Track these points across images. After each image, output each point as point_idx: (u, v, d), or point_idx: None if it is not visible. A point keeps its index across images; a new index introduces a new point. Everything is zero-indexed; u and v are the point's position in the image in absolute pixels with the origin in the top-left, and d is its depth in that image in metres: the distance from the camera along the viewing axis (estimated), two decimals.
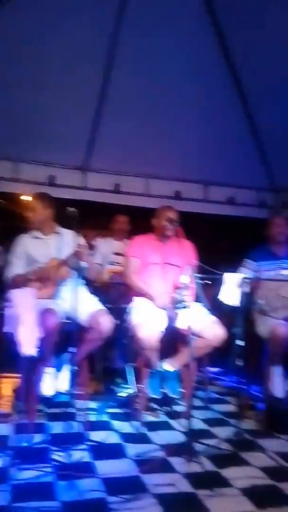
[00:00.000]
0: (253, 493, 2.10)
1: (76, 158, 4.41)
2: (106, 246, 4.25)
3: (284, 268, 3.32)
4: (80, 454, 2.41)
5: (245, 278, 2.82)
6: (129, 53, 3.58)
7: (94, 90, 3.85)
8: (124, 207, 4.55)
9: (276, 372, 3.00)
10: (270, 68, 3.61)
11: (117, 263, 4.17)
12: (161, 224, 3.17)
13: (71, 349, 2.58)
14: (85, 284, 3.05)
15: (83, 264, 2.83)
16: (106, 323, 2.74)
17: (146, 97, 3.92)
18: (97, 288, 3.86)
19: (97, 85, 3.81)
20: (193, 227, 3.62)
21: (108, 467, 2.30)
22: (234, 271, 3.31)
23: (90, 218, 4.83)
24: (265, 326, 3.10)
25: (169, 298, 2.95)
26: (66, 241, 2.90)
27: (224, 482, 2.20)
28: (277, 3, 3.14)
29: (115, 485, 2.11)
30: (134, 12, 3.34)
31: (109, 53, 3.60)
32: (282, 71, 3.55)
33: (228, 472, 2.31)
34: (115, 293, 3.78)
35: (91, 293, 3.07)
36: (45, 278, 2.85)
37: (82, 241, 2.87)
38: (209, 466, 2.37)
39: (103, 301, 3.32)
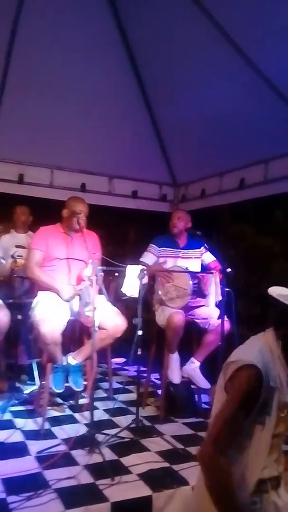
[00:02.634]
0: (150, 477, 2.23)
1: None
2: (7, 238, 4.09)
3: (182, 257, 3.50)
4: None
5: (143, 269, 2.92)
6: (30, 38, 3.45)
7: None
8: (28, 198, 4.41)
9: (172, 359, 3.18)
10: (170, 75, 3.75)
11: (19, 256, 4.06)
12: (69, 216, 3.13)
13: None
14: None
15: None
16: (3, 318, 2.67)
17: (51, 87, 3.82)
18: None
19: None
20: (98, 219, 3.65)
21: (8, 467, 2.29)
22: (138, 263, 3.41)
23: None
24: (163, 316, 3.24)
25: (74, 291, 2.96)
26: None
27: (123, 470, 2.31)
28: None
29: (15, 484, 2.11)
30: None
31: (9, 40, 3.45)
32: (182, 76, 3.70)
33: (128, 460, 2.43)
34: (18, 287, 3.69)
35: None
36: None
37: None
38: (109, 455, 2.46)
39: (4, 296, 3.23)
